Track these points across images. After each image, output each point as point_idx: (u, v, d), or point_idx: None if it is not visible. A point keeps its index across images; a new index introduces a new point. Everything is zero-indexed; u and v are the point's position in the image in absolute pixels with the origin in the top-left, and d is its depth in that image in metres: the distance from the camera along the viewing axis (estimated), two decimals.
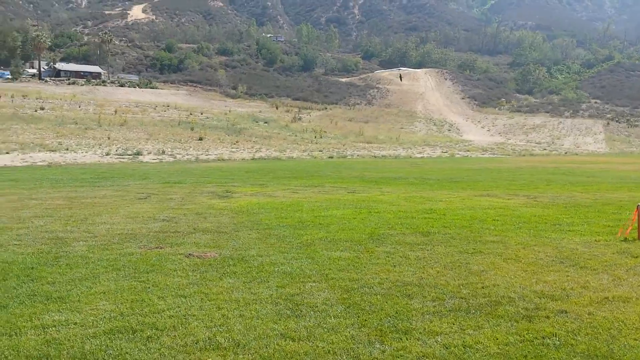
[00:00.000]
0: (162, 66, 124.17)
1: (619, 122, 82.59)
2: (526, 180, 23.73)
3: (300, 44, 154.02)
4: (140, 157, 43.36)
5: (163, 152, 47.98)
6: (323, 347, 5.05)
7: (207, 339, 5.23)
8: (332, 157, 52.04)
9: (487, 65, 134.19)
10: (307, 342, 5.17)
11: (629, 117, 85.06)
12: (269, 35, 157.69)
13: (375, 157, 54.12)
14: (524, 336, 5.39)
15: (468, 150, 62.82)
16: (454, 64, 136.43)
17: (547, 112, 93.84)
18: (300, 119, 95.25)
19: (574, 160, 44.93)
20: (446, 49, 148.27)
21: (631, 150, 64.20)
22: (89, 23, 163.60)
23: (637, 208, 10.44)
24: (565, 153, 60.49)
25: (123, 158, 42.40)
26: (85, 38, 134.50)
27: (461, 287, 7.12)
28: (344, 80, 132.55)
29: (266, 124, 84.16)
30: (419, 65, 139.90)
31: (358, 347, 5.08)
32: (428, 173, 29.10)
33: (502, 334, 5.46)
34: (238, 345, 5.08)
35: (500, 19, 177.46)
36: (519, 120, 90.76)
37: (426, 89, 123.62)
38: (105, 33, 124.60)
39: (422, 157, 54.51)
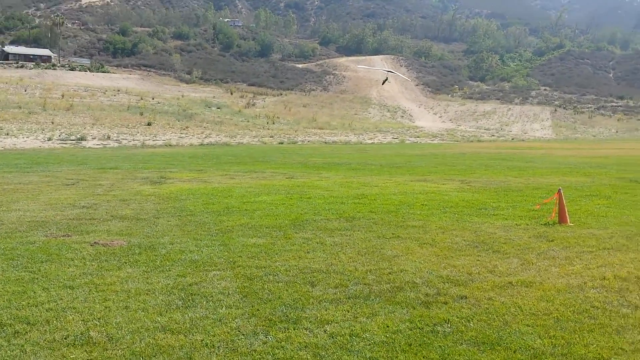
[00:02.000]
0: (115, 50, 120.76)
1: (566, 109, 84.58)
2: (466, 166, 23.93)
3: (258, 29, 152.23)
4: (84, 143, 42.12)
5: (108, 138, 46.73)
6: (202, 340, 4.80)
7: (79, 333, 4.91)
8: (282, 143, 51.71)
9: (442, 53, 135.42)
10: (187, 335, 4.91)
11: (576, 105, 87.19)
12: (226, 20, 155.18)
13: (325, 143, 54.03)
14: (415, 323, 5.25)
15: (418, 137, 63.34)
16: (410, 51, 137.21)
17: (498, 99, 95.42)
18: (254, 104, 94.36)
19: (518, 146, 45.74)
20: (403, 36, 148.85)
21: (576, 137, 65.84)
22: (42, 5, 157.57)
23: (558, 192, 10.52)
24: (512, 139, 61.60)
25: (65, 143, 41.11)
26: (37, 21, 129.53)
27: (368, 273, 6.96)
28: (300, 66, 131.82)
29: (219, 110, 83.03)
30: (375, 51, 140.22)
31: (239, 339, 4.84)
32: (372, 159, 29.09)
33: (394, 321, 5.31)
34: (110, 340, 4.78)
35: (457, 6, 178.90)
36: (470, 107, 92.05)
37: (382, 76, 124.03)
38: (58, 15, 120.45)
39: (372, 143, 54.70)
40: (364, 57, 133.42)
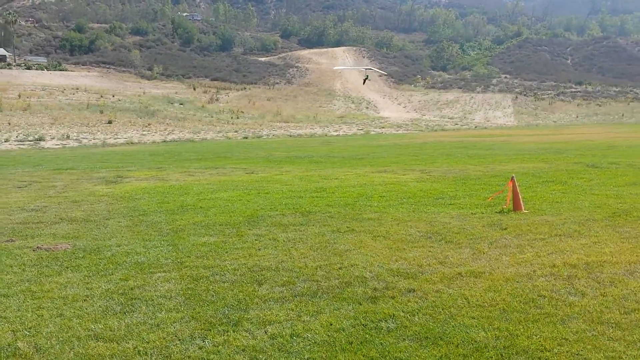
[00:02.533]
0: (72, 47, 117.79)
1: (527, 96, 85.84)
2: (427, 155, 24.00)
3: (218, 23, 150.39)
4: (43, 143, 41.01)
5: (68, 137, 45.60)
6: (135, 348, 4.59)
7: (6, 345, 4.65)
8: (246, 138, 51.24)
9: (403, 43, 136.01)
10: (120, 343, 4.69)
11: (536, 91, 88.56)
12: (184, 14, 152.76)
13: (290, 136, 53.72)
14: (360, 320, 5.13)
15: (383, 127, 63.50)
16: (372, 42, 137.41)
17: (460, 88, 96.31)
18: (217, 99, 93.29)
19: (481, 134, 46.21)
20: (363, 27, 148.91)
21: (537, 123, 66.89)
22: None
23: (512, 179, 10.54)
24: (475, 127, 62.27)
25: (23, 144, 39.98)
26: None
27: (318, 269, 6.82)
28: (263, 59, 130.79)
29: (182, 106, 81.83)
30: (337, 43, 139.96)
31: (174, 345, 4.65)
32: (336, 151, 28.99)
33: (338, 319, 5.18)
34: (38, 351, 4.54)
35: None
36: (434, 97, 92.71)
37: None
38: (10, 13, 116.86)
39: (337, 135, 54.60)
40: (325, 49, 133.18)
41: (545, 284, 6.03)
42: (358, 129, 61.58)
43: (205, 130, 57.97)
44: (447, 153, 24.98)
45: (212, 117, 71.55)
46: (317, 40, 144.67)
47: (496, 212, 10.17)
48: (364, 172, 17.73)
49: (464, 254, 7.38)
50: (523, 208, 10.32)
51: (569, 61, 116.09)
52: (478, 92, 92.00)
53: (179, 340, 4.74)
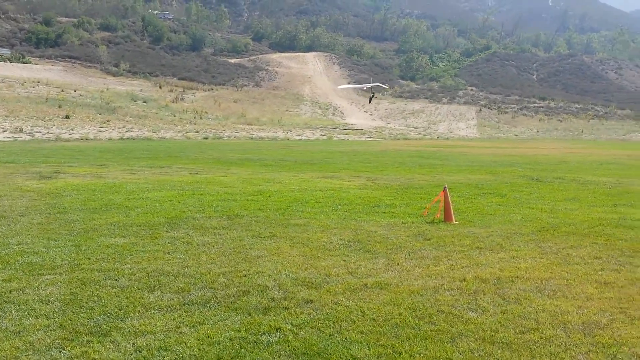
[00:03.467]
0: (38, 40, 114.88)
1: (491, 109, 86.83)
2: (380, 163, 23.83)
3: (189, 22, 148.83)
4: None
5: (20, 130, 44.32)
6: None
7: None
8: (207, 138, 50.59)
9: (374, 51, 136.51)
10: None
11: (500, 105, 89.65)
12: (155, 12, 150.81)
13: (252, 138, 53.25)
14: (241, 333, 4.79)
15: (347, 134, 63.42)
16: (343, 49, 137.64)
17: (427, 98, 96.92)
18: (182, 99, 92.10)
19: (441, 144, 46.42)
20: (335, 34, 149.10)
21: (499, 136, 67.66)
22: None
23: (444, 190, 10.35)
24: (438, 137, 62.59)
25: None
26: None
27: (221, 275, 6.46)
28: (233, 61, 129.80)
29: (145, 103, 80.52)
30: (308, 48, 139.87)
31: (26, 355, 4.24)
32: (291, 155, 28.64)
33: (220, 330, 4.83)
34: None
35: (388, 6, 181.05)
36: (400, 105, 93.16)
37: (314, 73, 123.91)
38: None
39: (299, 140, 54.30)
40: (296, 54, 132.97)
41: (448, 299, 5.78)
42: (321, 135, 61.38)
43: (166, 129, 57.05)
44: (400, 162, 24.87)
45: (174, 116, 70.51)
46: (288, 45, 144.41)
47: (426, 223, 9.95)
48: (310, 177, 17.42)
49: (378, 264, 7.11)
50: (454, 219, 10.14)
51: (534, 76, 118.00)
52: (444, 103, 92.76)
53: (33, 350, 4.33)
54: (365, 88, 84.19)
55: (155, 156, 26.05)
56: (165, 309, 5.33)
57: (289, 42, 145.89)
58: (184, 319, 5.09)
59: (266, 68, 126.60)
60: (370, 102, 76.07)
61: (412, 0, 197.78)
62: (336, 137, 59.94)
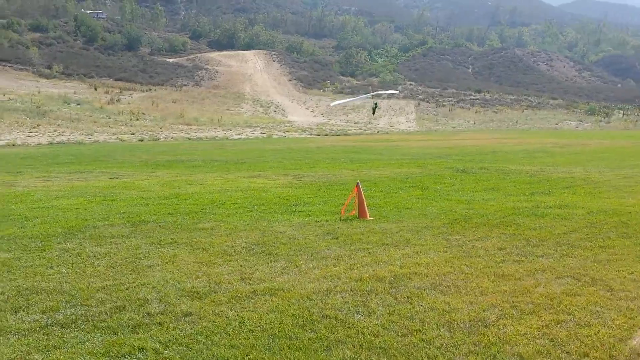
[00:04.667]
0: None
1: (429, 103, 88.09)
2: (312, 160, 23.56)
3: (124, 21, 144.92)
4: None
5: None
6: None
7: None
8: (142, 140, 49.23)
9: (314, 48, 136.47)
10: None
11: (438, 98, 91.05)
12: (88, 12, 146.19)
13: (189, 139, 52.17)
14: (97, 356, 4.34)
15: (287, 131, 63.02)
16: (282, 46, 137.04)
17: (367, 94, 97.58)
18: (118, 100, 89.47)
19: (378, 138, 46.63)
20: (274, 31, 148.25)
21: (437, 129, 68.66)
22: None
23: (357, 186, 10.11)
24: (378, 132, 63.00)
25: None
26: None
27: (100, 290, 5.97)
28: (171, 60, 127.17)
29: (79, 106, 77.78)
30: (247, 46, 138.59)
31: None
32: (224, 155, 28.00)
33: (74, 355, 4.37)
34: None
35: (326, 3, 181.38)
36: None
37: (255, 71, 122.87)
38: None
39: (239, 139, 53.56)
40: (236, 52, 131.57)
41: (338, 302, 5.48)
42: (261, 133, 60.74)
43: (100, 132, 55.22)
44: (333, 158, 24.66)
45: (109, 118, 68.40)
46: (227, 43, 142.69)
47: (340, 221, 9.68)
48: (235, 177, 16.95)
49: (276, 267, 6.76)
50: (368, 215, 9.91)
51: (469, 70, 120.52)
52: (383, 98, 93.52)
53: None
54: (366, 97, 78.24)
55: (80, 161, 24.98)
56: (23, 333, 4.82)
57: (227, 40, 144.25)
58: (39, 343, 4.60)
59: (206, 67, 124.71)
60: (374, 113, 70.37)
61: None
62: (276, 135, 59.44)
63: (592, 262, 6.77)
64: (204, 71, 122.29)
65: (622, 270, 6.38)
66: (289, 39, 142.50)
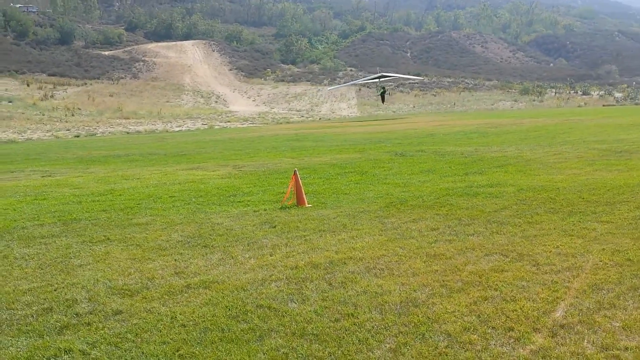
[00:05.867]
0: None
1: (369, 88, 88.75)
2: (253, 149, 23.38)
3: (56, 15, 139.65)
4: None
5: None
6: None
7: None
8: (78, 136, 47.75)
9: (253, 37, 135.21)
10: None
11: (379, 83, 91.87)
12: (18, 6, 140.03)
13: (128, 133, 50.91)
14: (19, 359, 4.19)
15: (229, 121, 62.37)
16: (221, 36, 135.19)
17: (308, 81, 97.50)
18: (52, 96, 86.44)
19: (322, 125, 46.70)
20: (212, 21, 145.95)
21: (378, 113, 69.34)
22: None
23: (294, 173, 10.10)
24: (320, 119, 63.11)
25: None
26: None
27: (27, 292, 5.77)
28: (106, 53, 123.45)
29: (10, 103, 74.67)
30: (186, 37, 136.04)
31: None
32: (163, 148, 27.44)
33: None
34: None
35: None
36: (283, 90, 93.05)
37: (194, 61, 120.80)
38: None
39: (179, 131, 52.66)
40: (174, 43, 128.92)
41: (273, 291, 5.47)
42: (203, 124, 59.89)
43: (33, 129, 53.23)
44: (274, 146, 24.55)
45: (43, 115, 65.98)
46: (164, 34, 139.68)
47: (278, 209, 9.66)
48: (173, 170, 16.66)
49: (211, 260, 6.69)
50: (306, 202, 9.93)
51: (408, 54, 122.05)
52: (325, 85, 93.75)
53: None
54: (369, 80, 66.59)
55: (12, 160, 24.01)
56: None
57: (165, 31, 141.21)
58: None
59: (143, 59, 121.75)
60: (383, 101, 60.06)
61: None
62: (218, 125, 58.72)
63: (520, 238, 7.00)
64: (142, 63, 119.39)
65: (548, 245, 6.62)
66: (228, 28, 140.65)
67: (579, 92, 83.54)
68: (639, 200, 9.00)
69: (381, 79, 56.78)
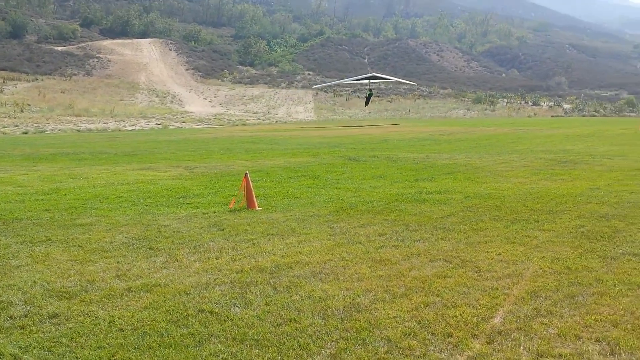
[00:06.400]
0: None
1: (327, 92, 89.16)
2: (206, 150, 23.12)
3: (8, 8, 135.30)
4: None
5: None
6: None
7: None
8: (26, 133, 46.26)
9: (212, 37, 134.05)
10: None
11: (336, 88, 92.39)
12: None
13: (79, 131, 49.71)
14: None
15: (184, 122, 61.59)
16: (179, 35, 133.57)
17: (266, 84, 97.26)
18: (1, 91, 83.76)
19: (277, 128, 46.62)
20: (170, 19, 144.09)
21: (334, 118, 69.64)
22: None
23: (245, 176, 10.03)
24: (276, 122, 62.98)
25: None
26: None
27: None
28: (60, 49, 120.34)
29: None
30: (142, 34, 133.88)
31: None
32: (115, 147, 26.85)
33: None
34: None
35: None
36: (240, 91, 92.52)
37: (150, 60, 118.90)
38: None
39: (132, 130, 51.72)
40: (130, 40, 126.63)
41: (216, 295, 5.41)
42: (157, 124, 58.96)
43: None
44: (228, 148, 24.34)
45: None
46: (121, 31, 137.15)
47: (228, 212, 9.57)
48: (123, 170, 16.32)
49: (155, 262, 6.56)
50: (257, 205, 9.87)
51: (366, 60, 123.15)
52: (282, 88, 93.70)
53: None
54: (357, 80, 61.75)
55: None
56: None
57: (121, 28, 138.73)
58: None
59: (97, 55, 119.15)
60: (367, 104, 55.98)
61: None
62: (172, 125, 57.91)
63: (464, 244, 7.12)
64: (96, 60, 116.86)
65: (491, 252, 6.76)
66: (186, 28, 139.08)
67: (530, 103, 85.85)
68: (580, 209, 9.29)
69: (371, 80, 53.78)
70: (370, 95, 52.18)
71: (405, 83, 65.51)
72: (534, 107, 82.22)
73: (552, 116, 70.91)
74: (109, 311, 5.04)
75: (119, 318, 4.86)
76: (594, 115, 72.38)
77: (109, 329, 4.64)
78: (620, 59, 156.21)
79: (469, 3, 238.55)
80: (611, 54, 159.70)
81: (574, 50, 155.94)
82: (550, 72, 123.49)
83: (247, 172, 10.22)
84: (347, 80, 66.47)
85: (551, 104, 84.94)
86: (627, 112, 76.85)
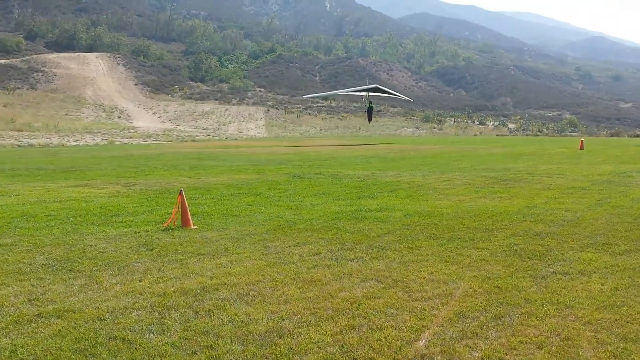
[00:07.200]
0: None
1: (278, 109, 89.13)
2: (149, 167, 22.53)
3: None
4: None
5: None
6: None
7: None
8: None
9: (162, 52, 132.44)
10: None
11: (287, 105, 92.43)
12: None
13: (20, 146, 48.00)
14: None
15: (132, 137, 60.34)
16: (128, 49, 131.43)
17: (217, 100, 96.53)
18: None
19: (227, 145, 46.10)
20: (119, 34, 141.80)
21: (285, 135, 69.54)
22: None
23: (180, 193, 9.72)
24: (226, 138, 62.38)
25: None
26: None
27: None
28: (2, 61, 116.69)
29: None
30: (90, 48, 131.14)
31: None
32: (54, 163, 25.90)
33: None
34: None
35: (174, 6, 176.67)
36: (190, 107, 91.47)
37: (97, 74, 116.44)
38: None
39: (76, 145, 50.27)
40: (77, 54, 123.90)
41: (132, 321, 5.10)
42: (102, 139, 57.56)
43: None
44: (173, 164, 23.81)
45: None
46: (67, 44, 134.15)
47: (161, 230, 9.22)
48: (58, 187, 15.67)
49: (73, 286, 6.19)
50: (192, 224, 9.56)
51: (317, 78, 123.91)
52: (233, 104, 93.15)
53: None
54: (355, 92, 57.90)
55: None
56: None
57: (67, 41, 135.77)
58: None
59: (42, 69, 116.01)
60: (370, 119, 49.88)
61: (198, 2, 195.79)
62: (119, 141, 56.62)
63: (397, 263, 7.01)
64: (41, 74, 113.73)
65: (423, 271, 6.66)
66: (135, 42, 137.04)
67: (476, 122, 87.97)
68: (515, 227, 9.35)
69: (370, 93, 50.12)
70: (370, 108, 47.54)
71: (405, 99, 65.34)
72: (480, 126, 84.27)
73: (497, 135, 72.76)
74: (12, 339, 4.67)
75: (21, 347, 4.51)
76: (537, 135, 74.63)
77: (9, 358, 4.28)
78: (562, 81, 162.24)
79: (418, 24, 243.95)
80: (554, 76, 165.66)
81: (519, 71, 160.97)
82: (496, 93, 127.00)
83: (182, 189, 9.91)
84: (344, 91, 62.82)
85: (496, 123, 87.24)
86: (569, 132, 79.62)
